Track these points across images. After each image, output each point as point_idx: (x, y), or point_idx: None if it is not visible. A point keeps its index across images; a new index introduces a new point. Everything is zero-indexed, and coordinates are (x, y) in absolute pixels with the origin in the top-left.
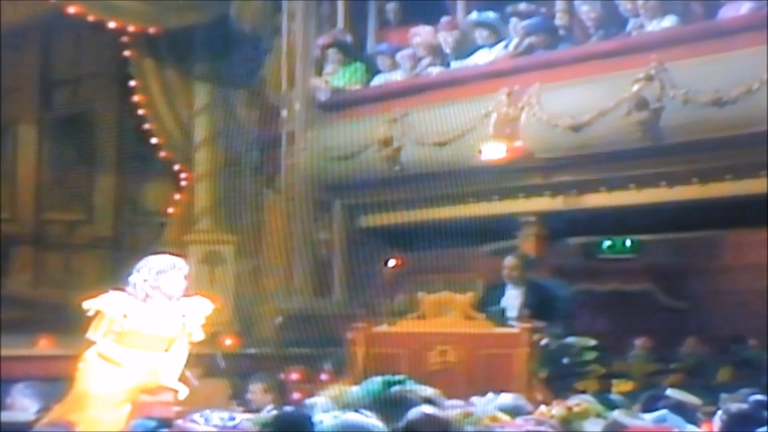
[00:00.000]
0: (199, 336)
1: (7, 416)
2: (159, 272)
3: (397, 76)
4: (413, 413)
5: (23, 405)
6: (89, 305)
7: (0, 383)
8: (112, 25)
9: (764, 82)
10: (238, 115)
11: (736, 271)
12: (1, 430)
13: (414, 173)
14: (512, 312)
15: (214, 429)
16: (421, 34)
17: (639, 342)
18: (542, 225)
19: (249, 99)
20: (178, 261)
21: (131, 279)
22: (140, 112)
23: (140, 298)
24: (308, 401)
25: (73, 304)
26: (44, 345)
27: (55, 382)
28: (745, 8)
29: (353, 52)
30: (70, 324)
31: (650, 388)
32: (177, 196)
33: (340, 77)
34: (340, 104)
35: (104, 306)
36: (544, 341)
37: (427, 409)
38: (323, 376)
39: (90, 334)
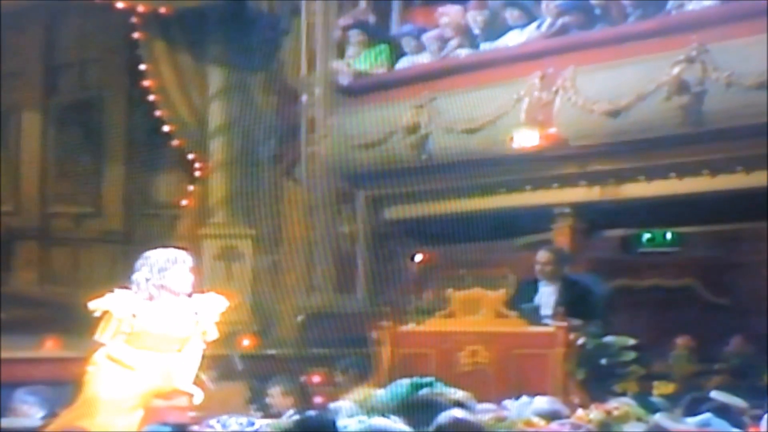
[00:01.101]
0: (214, 335)
1: (11, 423)
2: (162, 269)
3: (423, 59)
4: (443, 418)
5: (28, 411)
6: (95, 306)
7: (2, 387)
8: (120, 5)
9: None
10: (255, 101)
11: None
12: None
13: (442, 162)
14: (546, 310)
15: None
16: (448, 13)
17: (681, 341)
18: (578, 217)
19: (266, 84)
20: (181, 254)
21: (134, 278)
22: (151, 97)
23: (146, 298)
24: (332, 405)
25: (81, 302)
26: (50, 347)
27: (61, 387)
28: None
29: (377, 34)
30: (77, 324)
31: (693, 390)
32: (191, 188)
33: (363, 60)
34: (363, 89)
35: (111, 306)
36: (580, 341)
37: (458, 413)
38: (347, 379)
39: (98, 336)
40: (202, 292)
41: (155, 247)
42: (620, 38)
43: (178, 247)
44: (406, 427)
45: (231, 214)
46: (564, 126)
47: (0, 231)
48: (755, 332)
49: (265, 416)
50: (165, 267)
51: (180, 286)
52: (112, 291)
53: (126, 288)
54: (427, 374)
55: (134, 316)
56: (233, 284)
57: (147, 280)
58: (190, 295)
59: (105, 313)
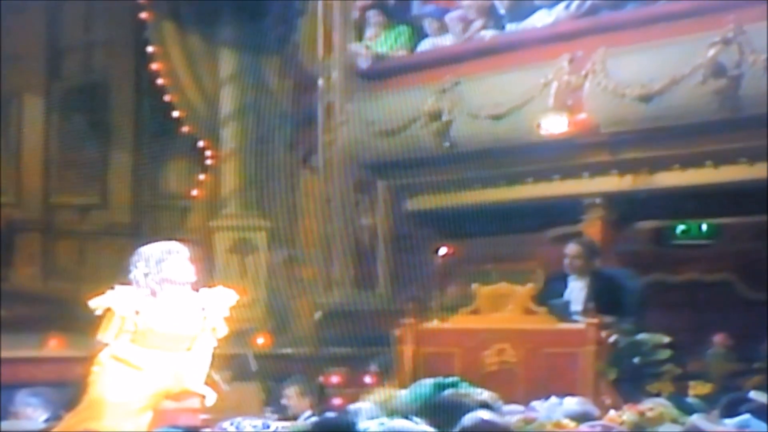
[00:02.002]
0: (224, 331)
1: (12, 426)
2: (159, 261)
3: (446, 41)
4: (468, 420)
5: (30, 413)
6: (96, 304)
7: (3, 389)
8: None
9: None
10: (269, 86)
11: None
12: None
13: (466, 150)
14: (576, 306)
15: None
16: None
17: (718, 339)
18: (609, 208)
19: (281, 67)
20: (174, 245)
21: (132, 276)
22: (159, 81)
23: (149, 294)
24: (351, 407)
25: (86, 299)
26: (54, 346)
27: (65, 388)
28: None
29: (397, 14)
30: (82, 322)
31: (731, 391)
32: (202, 177)
33: (383, 42)
34: (382, 73)
35: (113, 303)
36: (612, 338)
37: (485, 414)
38: (367, 379)
39: (100, 336)
40: (212, 286)
41: (162, 240)
42: (653, 19)
43: (175, 239)
44: (430, 430)
45: (244, 205)
46: (594, 111)
47: (0, 223)
48: None
49: (281, 418)
50: (162, 258)
51: (182, 276)
52: (112, 287)
53: (127, 284)
54: (452, 374)
55: (138, 313)
56: (247, 279)
57: (146, 275)
58: (196, 290)
59: (107, 311)
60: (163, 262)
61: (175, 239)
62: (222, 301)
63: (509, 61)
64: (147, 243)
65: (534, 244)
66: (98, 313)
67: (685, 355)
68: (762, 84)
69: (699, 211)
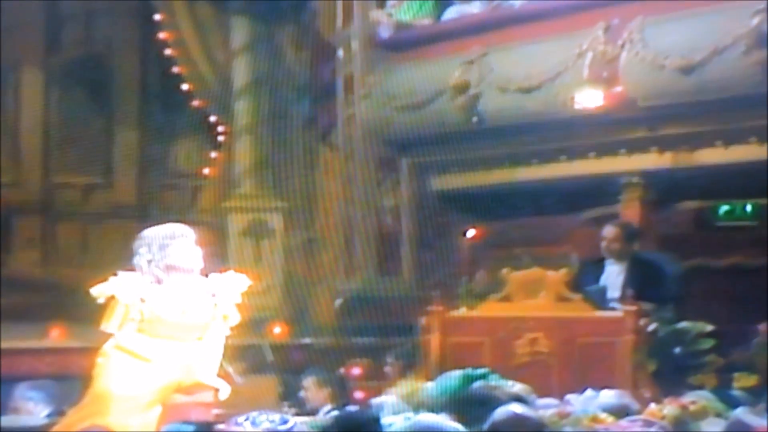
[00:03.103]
0: (236, 318)
1: (12, 421)
2: (162, 246)
3: (473, 9)
4: (500, 414)
5: (31, 408)
6: (98, 291)
7: (2, 382)
8: None
9: None
10: (285, 57)
11: None
12: None
13: (495, 125)
14: (614, 292)
15: None
16: None
17: (764, 328)
18: (648, 187)
19: (297, 37)
20: (179, 228)
21: (135, 262)
22: (167, 52)
23: (154, 281)
24: (374, 401)
25: (89, 286)
26: (56, 336)
27: (68, 381)
28: None
29: None
30: (86, 311)
31: None
32: (213, 155)
33: (406, 10)
34: (406, 43)
35: (116, 291)
36: (651, 327)
37: (517, 408)
38: (391, 371)
39: (105, 325)
40: (223, 271)
41: (168, 223)
42: None
43: (183, 221)
44: (458, 425)
45: (259, 184)
46: (631, 84)
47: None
48: None
49: (300, 413)
50: (165, 243)
51: (188, 262)
52: (115, 274)
53: (132, 270)
54: (481, 365)
55: (143, 300)
56: (262, 264)
57: (149, 261)
58: (206, 275)
59: (110, 298)
60: (168, 247)
61: (184, 221)
62: (233, 287)
63: (541, 30)
64: (154, 226)
65: (568, 227)
66: (101, 301)
67: (729, 345)
68: None
69: (743, 190)
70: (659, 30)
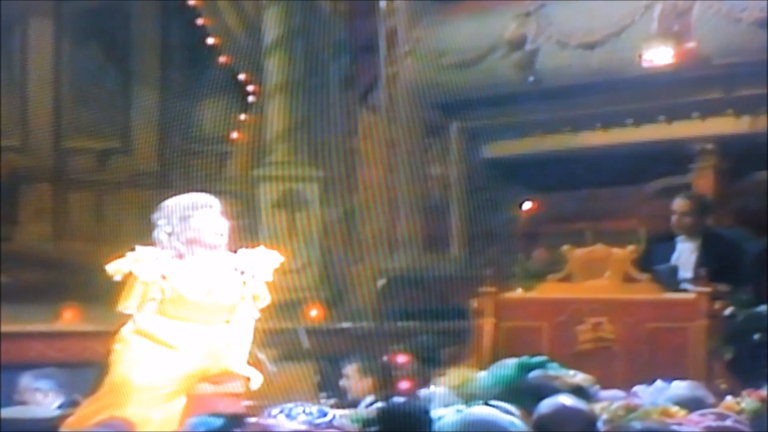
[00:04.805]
0: (266, 299)
1: (20, 413)
2: (184, 218)
3: None
4: (547, 406)
5: (41, 399)
6: (114, 268)
7: (9, 370)
8: None
9: None
10: (321, 8)
11: None
12: (8, 429)
13: (554, 85)
14: (685, 272)
15: (300, 428)
16: None
17: None
18: (723, 155)
19: None
20: (203, 198)
21: (155, 236)
22: (191, 2)
23: (175, 257)
24: (421, 392)
25: (105, 263)
26: (68, 319)
27: (81, 369)
28: None
29: None
30: (101, 291)
31: None
32: (242, 117)
33: None
34: None
35: (134, 267)
36: (727, 311)
37: (566, 400)
38: (440, 358)
39: (122, 306)
40: (253, 246)
41: (191, 193)
42: None
43: (208, 191)
44: (515, 418)
45: (293, 150)
46: (705, 39)
47: (1, 172)
48: None
49: (339, 405)
50: (188, 215)
51: (213, 236)
52: (133, 249)
53: (151, 245)
54: (538, 353)
55: (164, 278)
56: (296, 240)
57: (170, 234)
58: (233, 251)
59: (127, 276)
60: (191, 219)
61: (209, 191)
62: (264, 264)
63: None
64: (175, 196)
65: (635, 199)
66: (117, 279)
67: None
68: None
69: None
70: None
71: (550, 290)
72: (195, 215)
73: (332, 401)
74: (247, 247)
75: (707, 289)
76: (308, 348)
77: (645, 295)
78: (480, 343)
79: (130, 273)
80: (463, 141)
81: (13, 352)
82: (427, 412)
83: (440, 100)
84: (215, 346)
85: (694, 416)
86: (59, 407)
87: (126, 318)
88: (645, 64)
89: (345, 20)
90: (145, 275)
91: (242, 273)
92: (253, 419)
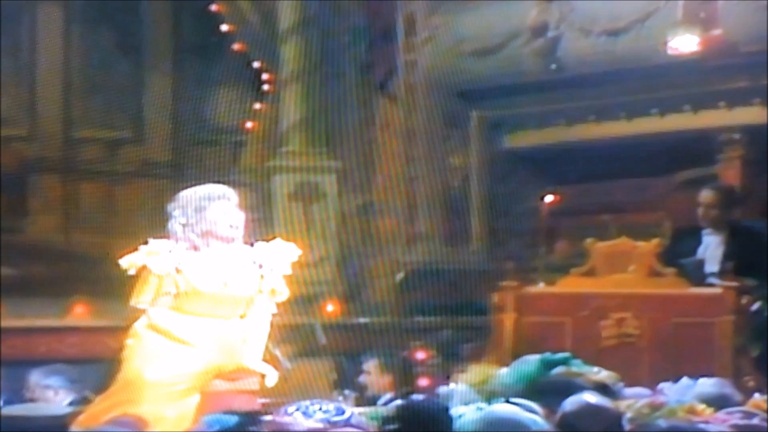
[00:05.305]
0: (284, 293)
1: (30, 410)
2: (199, 209)
3: None
4: (571, 403)
5: (50, 396)
6: (128, 262)
7: (18, 366)
8: None
9: None
10: None
11: None
12: (18, 427)
13: (577, 73)
14: (712, 266)
15: (318, 425)
16: None
17: None
18: (751, 145)
19: None
20: (218, 189)
21: (170, 228)
22: None
23: (190, 249)
24: (441, 389)
25: (117, 255)
26: (79, 313)
27: (92, 365)
28: None
29: None
30: (113, 284)
31: None
32: (257, 106)
33: None
34: None
35: (148, 261)
36: (755, 306)
37: (590, 398)
38: (460, 355)
39: (134, 301)
40: (269, 239)
41: (205, 184)
42: None
43: (222, 182)
44: (537, 417)
45: (309, 140)
46: (732, 26)
47: (8, 162)
48: None
49: (358, 402)
50: (203, 206)
51: (228, 228)
52: (147, 242)
53: (165, 237)
54: (561, 349)
55: (179, 271)
56: (313, 232)
57: (184, 226)
58: (250, 243)
59: (141, 270)
60: (206, 211)
61: (224, 182)
62: (282, 257)
63: None
64: (189, 187)
65: (660, 191)
66: (131, 273)
67: None
68: None
69: None
70: None
71: (572, 285)
72: (210, 207)
73: (350, 399)
74: (262, 239)
75: (734, 284)
76: (325, 344)
77: (670, 289)
78: (501, 339)
79: (144, 267)
80: (483, 131)
81: (22, 348)
82: (447, 410)
83: (460, 88)
84: (230, 341)
85: (721, 414)
86: (70, 404)
87: (139, 312)
88: (670, 52)
89: (362, 6)
90: (160, 269)
91: (260, 266)
92: (268, 417)
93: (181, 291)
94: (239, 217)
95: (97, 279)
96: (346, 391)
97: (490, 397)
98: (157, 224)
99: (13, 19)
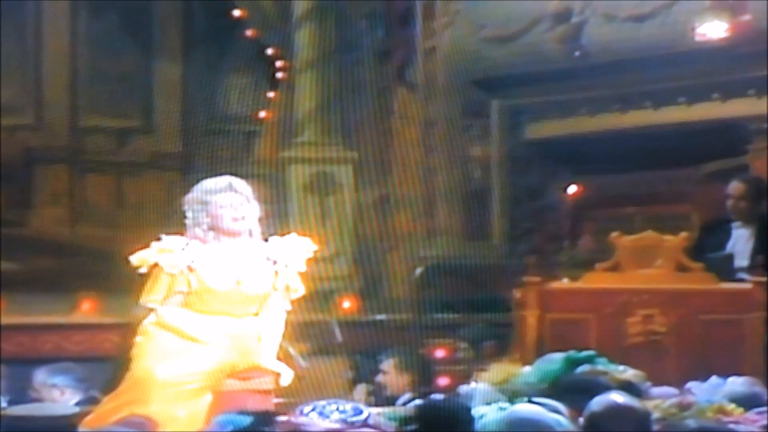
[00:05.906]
0: (300, 290)
1: (36, 410)
2: (211, 203)
3: None
4: (598, 403)
5: (56, 396)
6: (139, 260)
7: (24, 364)
8: None
9: None
10: None
11: None
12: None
13: (601, 61)
14: (742, 260)
15: (334, 426)
16: None
17: None
18: None
19: None
20: (223, 180)
21: (187, 222)
22: None
23: (201, 245)
24: (462, 388)
25: (126, 250)
26: (86, 310)
27: (100, 363)
28: None
29: None
30: (122, 280)
31: None
32: (271, 94)
33: None
34: None
35: (160, 258)
36: None
37: (618, 397)
38: (481, 353)
39: (144, 299)
40: (284, 234)
41: (217, 176)
42: None
43: (235, 174)
44: (561, 417)
45: (324, 130)
46: (761, 12)
47: (11, 152)
48: None
49: (376, 402)
50: (206, 200)
51: (242, 222)
52: (159, 238)
53: (180, 233)
54: (586, 347)
55: (191, 269)
56: (328, 226)
57: (196, 221)
58: (264, 238)
59: (153, 267)
60: (217, 204)
61: (236, 174)
62: (297, 253)
63: None
64: (200, 179)
65: (687, 182)
66: (142, 271)
67: None
68: None
69: None
70: None
71: (597, 280)
72: (223, 200)
73: (368, 398)
74: (277, 234)
75: (765, 279)
76: (341, 342)
77: (698, 285)
78: (524, 337)
79: (156, 264)
80: (504, 120)
81: (27, 346)
82: (468, 409)
83: (480, 76)
84: (244, 339)
85: (752, 414)
86: (77, 404)
87: (148, 310)
88: (698, 39)
89: None
90: (172, 267)
91: (275, 263)
92: (283, 417)
93: (193, 289)
94: (245, 210)
95: (105, 274)
96: (359, 386)
97: (512, 397)
98: (166, 218)
99: (19, 3)
